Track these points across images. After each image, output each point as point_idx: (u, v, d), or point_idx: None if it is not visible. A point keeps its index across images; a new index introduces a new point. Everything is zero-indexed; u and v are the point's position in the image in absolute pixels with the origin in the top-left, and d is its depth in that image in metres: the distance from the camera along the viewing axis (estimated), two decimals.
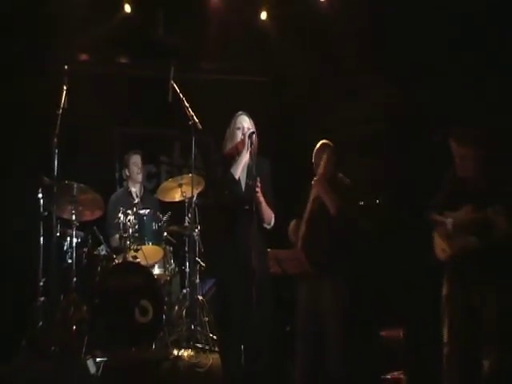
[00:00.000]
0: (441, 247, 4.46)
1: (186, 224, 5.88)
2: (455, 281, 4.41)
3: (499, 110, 5.26)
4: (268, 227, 4.38)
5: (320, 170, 4.93)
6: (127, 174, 6.37)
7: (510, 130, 5.00)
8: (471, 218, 4.30)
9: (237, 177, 4.28)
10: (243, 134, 4.30)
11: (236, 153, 4.31)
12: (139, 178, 6.28)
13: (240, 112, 4.43)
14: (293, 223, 5.01)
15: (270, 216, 4.35)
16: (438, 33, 5.80)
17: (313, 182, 4.92)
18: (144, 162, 6.40)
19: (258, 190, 4.17)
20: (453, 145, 4.44)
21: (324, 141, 5.09)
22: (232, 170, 4.28)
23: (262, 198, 4.24)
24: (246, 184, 4.31)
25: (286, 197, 4.78)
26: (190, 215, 5.84)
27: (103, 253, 5.79)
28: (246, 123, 4.37)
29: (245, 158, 4.29)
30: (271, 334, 4.24)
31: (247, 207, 4.16)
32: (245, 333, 4.13)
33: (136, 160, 6.26)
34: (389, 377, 5.28)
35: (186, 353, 5.20)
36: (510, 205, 4.15)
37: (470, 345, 4.30)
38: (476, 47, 5.55)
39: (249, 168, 4.28)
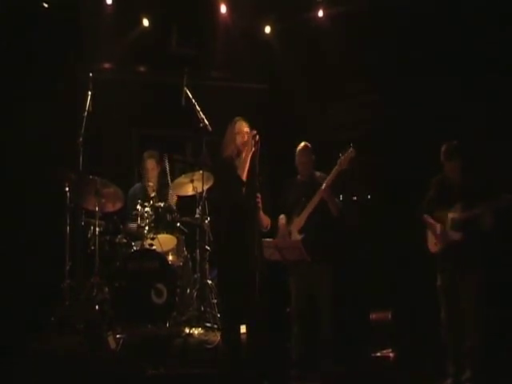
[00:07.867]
0: (432, 242, 4.91)
1: (197, 215, 6.13)
2: (444, 271, 4.85)
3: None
4: (264, 231, 4.67)
5: (328, 181, 5.17)
6: (143, 172, 6.54)
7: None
8: (460, 217, 4.73)
9: (243, 177, 4.49)
10: (248, 137, 4.52)
11: (236, 155, 4.55)
12: (154, 178, 6.43)
13: (237, 118, 4.62)
14: (282, 217, 5.31)
15: (266, 222, 4.62)
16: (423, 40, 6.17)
17: (322, 189, 5.16)
18: (160, 160, 6.56)
19: (258, 201, 4.42)
20: (443, 159, 4.87)
21: (304, 143, 5.38)
22: (238, 172, 4.50)
23: (259, 206, 4.48)
24: (250, 184, 4.50)
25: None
26: (200, 208, 6.09)
27: (123, 240, 6.05)
28: (244, 128, 4.59)
29: (248, 159, 4.49)
30: (271, 313, 4.50)
31: (250, 204, 4.42)
32: (249, 312, 4.41)
33: (150, 166, 6.39)
34: (379, 354, 5.63)
35: (196, 331, 5.51)
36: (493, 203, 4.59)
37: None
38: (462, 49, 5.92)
39: (253, 169, 4.47)
